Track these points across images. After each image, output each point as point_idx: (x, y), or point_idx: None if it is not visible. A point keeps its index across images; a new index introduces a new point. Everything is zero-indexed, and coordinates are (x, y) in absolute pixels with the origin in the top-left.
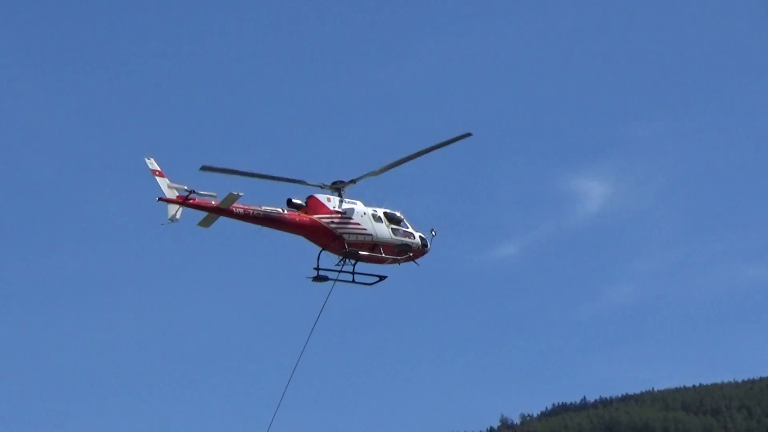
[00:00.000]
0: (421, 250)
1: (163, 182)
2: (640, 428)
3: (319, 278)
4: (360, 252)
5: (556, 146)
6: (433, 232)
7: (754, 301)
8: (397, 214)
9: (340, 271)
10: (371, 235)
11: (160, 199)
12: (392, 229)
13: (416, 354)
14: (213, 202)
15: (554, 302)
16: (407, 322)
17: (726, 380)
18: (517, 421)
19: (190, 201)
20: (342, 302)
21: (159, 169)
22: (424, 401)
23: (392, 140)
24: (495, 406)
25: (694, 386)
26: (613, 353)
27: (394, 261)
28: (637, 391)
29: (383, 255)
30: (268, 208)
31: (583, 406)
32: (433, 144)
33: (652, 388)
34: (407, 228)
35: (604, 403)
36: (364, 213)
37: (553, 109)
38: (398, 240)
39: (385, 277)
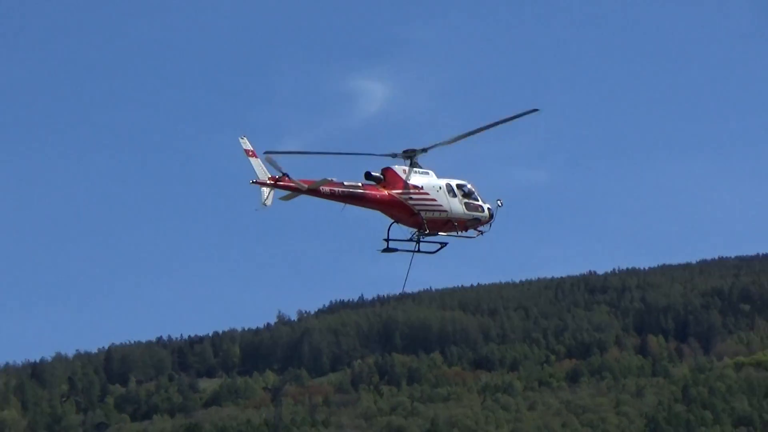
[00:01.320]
0: (487, 221)
1: (256, 163)
2: (417, 327)
3: (388, 249)
4: (433, 227)
5: (336, 47)
6: (500, 203)
7: (527, 204)
8: (469, 186)
9: (417, 242)
10: (446, 211)
11: (253, 182)
12: (465, 203)
13: (191, 250)
14: (304, 184)
15: (334, 205)
16: (184, 219)
17: (503, 281)
18: (294, 317)
19: (282, 182)
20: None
21: (252, 148)
22: (202, 298)
23: None
24: (272, 302)
25: (471, 286)
26: (391, 255)
27: (456, 235)
28: (415, 290)
29: (455, 230)
30: (350, 185)
31: (361, 304)
32: (502, 118)
33: (430, 288)
34: (477, 200)
35: (381, 301)
36: (440, 187)
37: (332, 9)
38: (470, 215)
39: (446, 243)
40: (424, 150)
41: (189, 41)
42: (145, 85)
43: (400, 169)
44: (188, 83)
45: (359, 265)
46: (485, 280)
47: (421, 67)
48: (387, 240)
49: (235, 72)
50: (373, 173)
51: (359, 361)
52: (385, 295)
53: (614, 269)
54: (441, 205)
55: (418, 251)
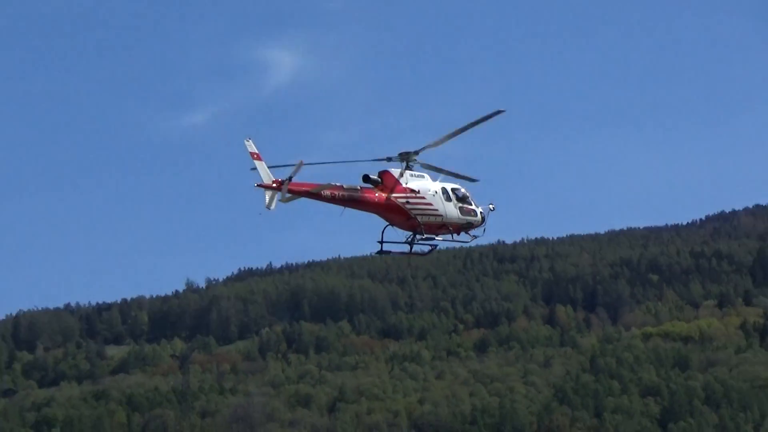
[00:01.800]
0: (479, 224)
1: (260, 166)
2: (326, 295)
3: (382, 252)
4: (428, 231)
5: (245, 15)
6: (492, 207)
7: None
8: (462, 190)
9: (411, 244)
10: (442, 215)
11: (258, 185)
12: (460, 208)
13: (100, 217)
14: (306, 188)
15: (241, 171)
16: (93, 186)
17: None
18: (202, 285)
19: (288, 185)
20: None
21: (257, 151)
22: (110, 265)
23: None
24: (181, 270)
25: (381, 255)
26: (300, 222)
27: (451, 239)
28: (324, 258)
29: (450, 233)
30: (349, 188)
31: (269, 272)
32: (473, 120)
33: (339, 256)
34: (471, 205)
35: (289, 269)
36: (436, 192)
37: None
38: (464, 219)
39: (436, 246)
40: (417, 152)
41: (97, 7)
42: (54, 52)
43: (396, 172)
44: (96, 52)
45: (268, 233)
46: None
47: (333, 36)
48: (381, 242)
49: (145, 40)
50: (371, 176)
51: (267, 329)
52: (294, 264)
53: (523, 239)
54: (437, 210)
55: (411, 253)
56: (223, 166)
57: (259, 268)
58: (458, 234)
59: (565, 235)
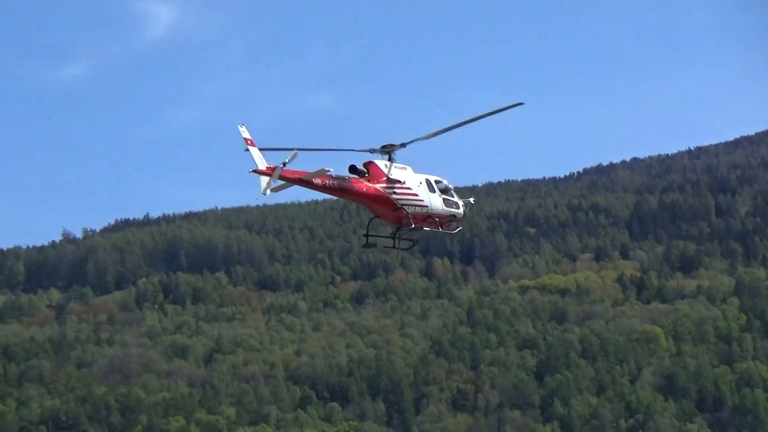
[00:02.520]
0: (461, 218)
1: (255, 152)
2: (203, 246)
3: (368, 245)
4: (414, 223)
5: None
6: (473, 200)
7: (317, 128)
8: (445, 182)
9: (395, 237)
10: (427, 206)
11: (253, 171)
12: (443, 199)
13: None
14: (299, 175)
15: (120, 123)
16: None
17: (289, 201)
18: (79, 235)
19: (281, 172)
20: None
21: (250, 137)
22: None
23: None
24: (57, 220)
25: (257, 206)
26: (177, 173)
27: (437, 230)
28: (201, 209)
29: (436, 225)
30: (339, 177)
31: (146, 222)
32: (485, 112)
33: (216, 207)
34: (453, 197)
35: (167, 220)
36: (420, 183)
37: None
38: (448, 212)
39: (417, 241)
40: (403, 145)
41: None
42: None
43: (381, 163)
44: None
45: (144, 184)
46: (271, 200)
47: None
48: (366, 235)
49: None
50: (357, 167)
51: (144, 279)
52: (171, 214)
53: None
54: (422, 200)
55: (396, 247)
56: (101, 117)
57: (136, 218)
58: (442, 227)
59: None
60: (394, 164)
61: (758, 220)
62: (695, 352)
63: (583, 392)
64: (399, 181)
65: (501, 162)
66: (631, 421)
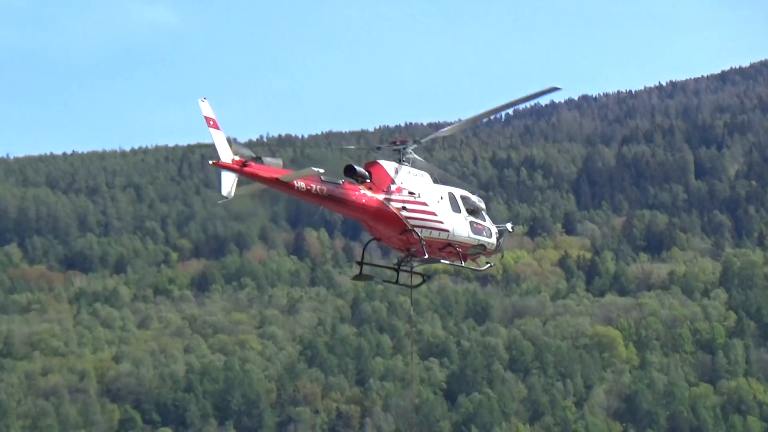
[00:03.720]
0: (492, 251)
1: (218, 138)
2: None
3: (362, 276)
4: (428, 253)
5: None
6: (511, 227)
7: (148, 50)
8: (474, 199)
9: (398, 270)
10: (448, 231)
11: (214, 163)
12: (470, 223)
13: None
14: (274, 175)
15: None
16: None
17: (107, 149)
18: None
19: (249, 169)
20: None
21: (213, 117)
22: None
23: None
24: None
25: (63, 155)
26: None
27: (458, 265)
28: None
29: (457, 257)
30: (329, 182)
31: None
32: (517, 98)
33: (7, 155)
34: (484, 221)
35: None
36: (441, 197)
37: None
38: (476, 240)
39: (430, 277)
40: (417, 142)
41: None
42: None
43: (390, 166)
44: None
45: None
46: (82, 147)
47: None
48: (361, 262)
49: None
50: (356, 168)
51: None
52: None
53: (261, 137)
54: (441, 222)
55: (399, 283)
56: None
57: None
58: (465, 260)
59: (319, 133)
60: (408, 168)
61: (753, 183)
62: (665, 365)
63: (511, 418)
64: (411, 193)
65: (401, 101)
66: None
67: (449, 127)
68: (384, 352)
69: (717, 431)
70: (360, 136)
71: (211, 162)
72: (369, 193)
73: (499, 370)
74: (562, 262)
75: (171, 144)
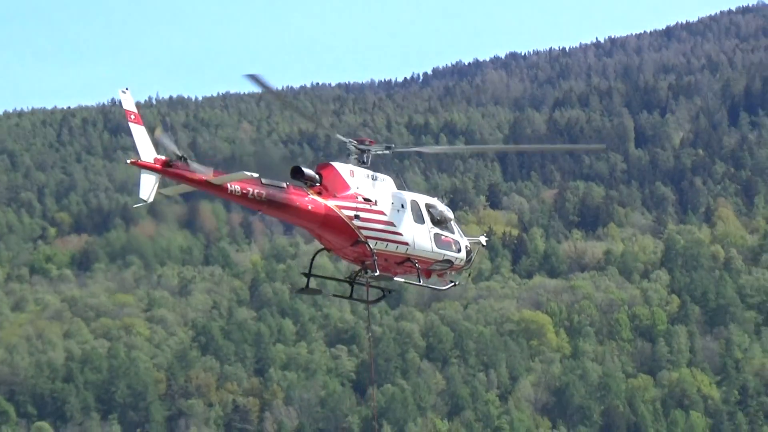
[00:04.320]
0: (460, 266)
1: (139, 133)
2: None
3: (307, 290)
4: (383, 267)
5: None
6: (484, 240)
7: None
8: (440, 207)
9: (352, 282)
10: (407, 244)
11: (133, 162)
12: (435, 235)
13: None
14: (204, 177)
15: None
16: None
17: None
18: None
19: (174, 170)
20: None
21: (135, 110)
22: None
23: None
24: None
25: None
26: None
27: (417, 283)
28: None
29: (416, 274)
30: (271, 185)
31: None
32: (562, 146)
33: None
34: (452, 232)
35: None
36: (402, 206)
37: None
38: (440, 254)
39: (390, 291)
40: (390, 148)
41: None
42: None
43: (345, 168)
44: None
45: None
46: None
47: None
48: (308, 274)
49: None
50: (304, 170)
51: None
52: None
53: (150, 98)
54: (400, 234)
55: (351, 297)
56: None
57: None
58: (427, 276)
59: (215, 95)
60: (367, 172)
61: (700, 152)
62: (600, 354)
63: (428, 412)
64: (367, 200)
65: (309, 60)
66: None
67: (434, 146)
68: (286, 338)
69: (656, 428)
70: (260, 98)
71: (129, 161)
72: (318, 199)
73: (414, 360)
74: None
75: (49, 107)
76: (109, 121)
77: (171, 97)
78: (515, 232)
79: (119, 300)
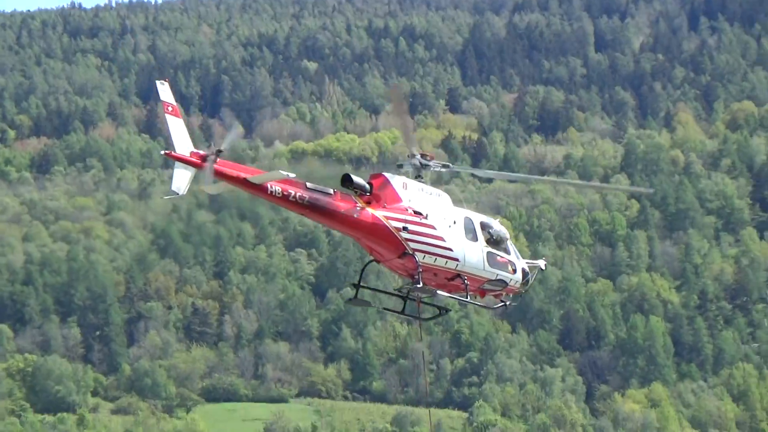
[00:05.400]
0: (516, 289)
1: (176, 127)
2: None
3: (357, 301)
4: (430, 282)
5: None
6: (543, 264)
7: None
8: (496, 227)
9: (405, 298)
10: (457, 260)
11: (167, 153)
12: (488, 254)
13: None
14: (242, 175)
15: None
16: None
17: None
18: None
19: (212, 165)
20: None
21: (173, 103)
22: None
23: None
24: None
25: None
26: None
27: (472, 299)
28: None
29: (464, 291)
30: (315, 189)
31: None
32: (610, 187)
33: None
34: (508, 253)
35: None
36: (454, 222)
37: None
38: (493, 273)
39: (448, 310)
40: (447, 166)
41: None
42: None
43: (398, 180)
44: None
45: None
46: None
47: None
48: (357, 285)
49: None
50: (355, 178)
51: None
52: None
53: (108, 2)
54: (450, 249)
55: (403, 313)
56: None
57: None
58: (481, 295)
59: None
60: (421, 186)
61: (659, 57)
62: (560, 258)
63: (387, 316)
64: (418, 212)
65: None
66: (461, 362)
67: (488, 172)
68: (245, 241)
69: (616, 332)
70: (220, 2)
71: (163, 152)
72: (366, 208)
73: (374, 264)
74: (446, 144)
75: (8, 10)
76: (69, 24)
77: (131, 1)
78: (475, 136)
79: (78, 203)
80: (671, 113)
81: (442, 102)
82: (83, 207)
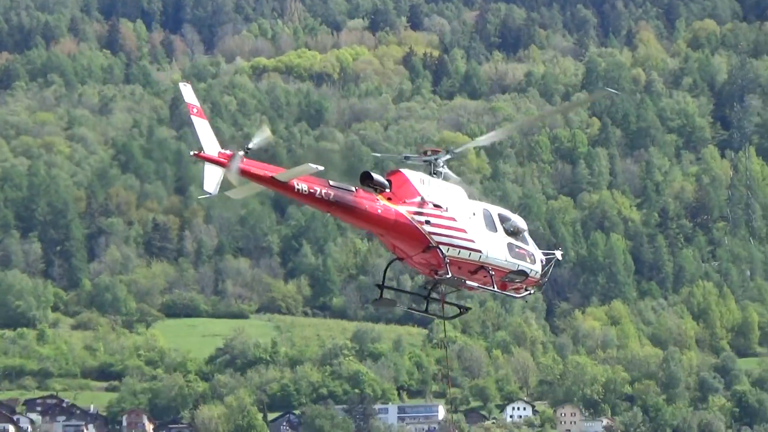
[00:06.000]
0: (536, 280)
1: (202, 127)
2: None
3: (382, 302)
4: (451, 272)
5: None
6: (559, 254)
7: None
8: (514, 219)
9: (427, 297)
10: (479, 251)
11: (196, 154)
12: (509, 245)
13: None
14: (269, 173)
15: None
16: None
17: None
18: None
19: (239, 165)
20: None
21: (197, 104)
22: None
23: None
24: None
25: None
26: None
27: (491, 290)
28: None
29: (486, 283)
30: (339, 187)
31: None
32: (569, 104)
33: None
34: (527, 244)
35: None
36: (473, 213)
37: None
38: (514, 264)
39: (468, 308)
40: (449, 151)
41: None
42: None
43: (415, 175)
44: None
45: None
46: None
47: None
48: (382, 285)
49: None
50: (374, 176)
51: None
52: None
53: None
54: (472, 240)
55: (426, 312)
56: None
57: None
58: (502, 288)
59: None
60: (438, 181)
61: None
62: (520, 175)
63: (347, 232)
64: (438, 206)
65: None
66: (421, 278)
67: (485, 136)
68: None
69: (576, 249)
70: None
71: (192, 153)
72: (388, 204)
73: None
74: (407, 61)
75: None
76: None
77: None
78: (436, 53)
79: (40, 118)
80: (633, 31)
81: (404, 19)
82: (44, 122)
